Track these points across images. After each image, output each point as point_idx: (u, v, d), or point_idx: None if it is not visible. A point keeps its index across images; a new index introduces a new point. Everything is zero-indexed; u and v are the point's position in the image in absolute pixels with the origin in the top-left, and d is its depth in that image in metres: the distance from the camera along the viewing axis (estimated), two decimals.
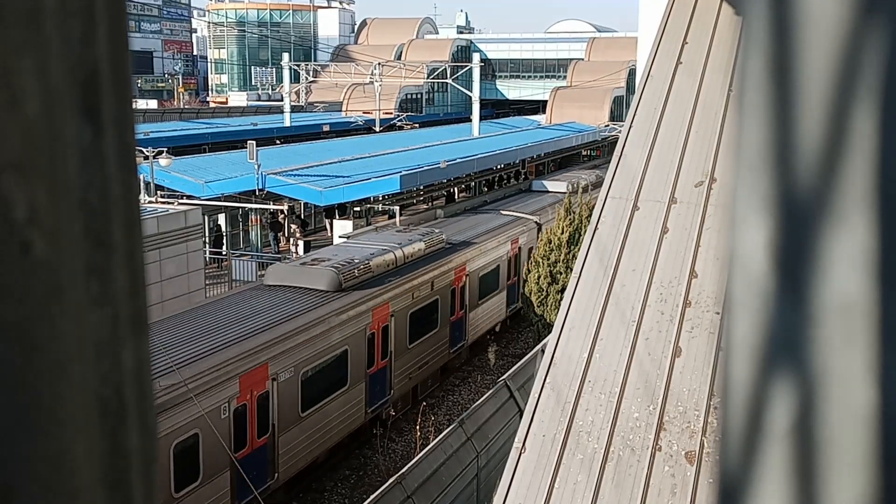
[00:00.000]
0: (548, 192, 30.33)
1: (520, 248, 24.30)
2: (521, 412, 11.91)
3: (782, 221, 0.41)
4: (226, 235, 29.90)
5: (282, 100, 50.57)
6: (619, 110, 58.14)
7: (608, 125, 50.32)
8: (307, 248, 28.08)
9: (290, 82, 49.33)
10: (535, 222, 25.60)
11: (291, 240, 29.68)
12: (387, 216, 29.37)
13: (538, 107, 66.90)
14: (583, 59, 69.18)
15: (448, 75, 49.62)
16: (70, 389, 0.46)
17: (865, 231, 0.39)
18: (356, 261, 16.37)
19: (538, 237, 24.02)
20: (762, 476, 0.41)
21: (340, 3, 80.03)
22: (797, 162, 0.41)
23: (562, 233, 20.02)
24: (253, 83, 72.48)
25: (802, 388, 0.40)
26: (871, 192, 0.38)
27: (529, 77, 73.39)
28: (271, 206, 28.30)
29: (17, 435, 0.43)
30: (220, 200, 27.07)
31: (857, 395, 0.39)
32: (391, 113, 53.93)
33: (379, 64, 48.64)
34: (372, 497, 10.82)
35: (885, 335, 0.38)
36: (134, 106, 0.53)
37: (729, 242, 0.42)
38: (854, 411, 0.39)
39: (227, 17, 75.54)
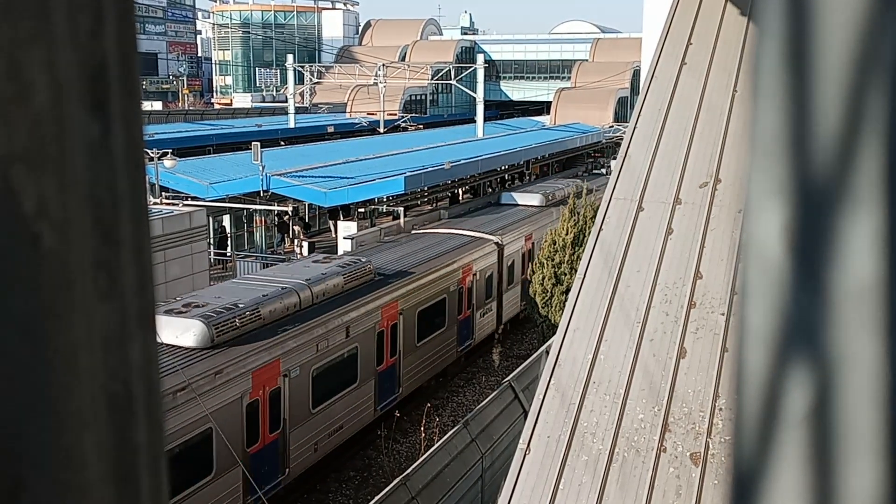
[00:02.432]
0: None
1: None
2: (525, 413, 11.90)
3: (797, 207, 0.41)
4: (230, 237, 29.95)
5: (286, 101, 50.65)
6: (623, 111, 58.11)
7: (612, 126, 50.28)
8: (311, 249, 28.10)
9: (295, 83, 49.42)
10: None
11: (296, 241, 29.73)
12: (391, 217, 29.39)
13: (542, 108, 66.91)
14: (587, 60, 69.17)
15: (452, 76, 49.64)
16: (78, 383, 0.46)
17: (881, 216, 0.39)
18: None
19: None
20: (778, 462, 0.41)
21: (344, 4, 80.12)
22: (812, 147, 0.40)
23: (566, 234, 20.02)
24: (257, 84, 72.62)
25: (819, 374, 0.40)
26: (887, 176, 0.38)
27: (534, 78, 73.40)
28: (276, 208, 28.35)
29: (26, 428, 0.43)
30: (225, 202, 27.13)
31: (874, 380, 0.38)
32: (395, 114, 53.98)
33: (383, 65, 48.68)
34: (377, 498, 10.82)
35: None
36: (141, 101, 0.53)
37: (743, 229, 0.42)
38: (871, 396, 0.38)
39: (231, 18, 75.70)
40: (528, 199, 27.62)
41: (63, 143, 0.43)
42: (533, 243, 24.69)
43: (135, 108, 0.49)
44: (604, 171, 37.55)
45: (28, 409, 0.43)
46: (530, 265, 22.61)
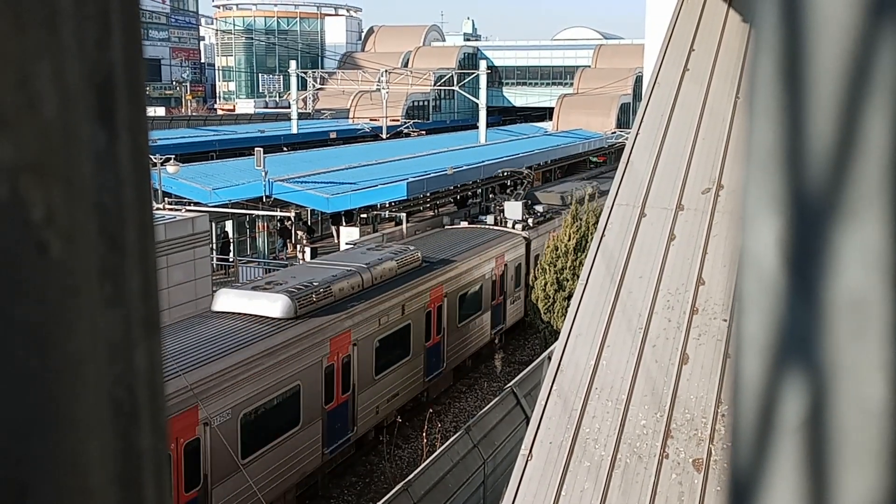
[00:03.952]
0: None
1: None
2: (527, 419, 11.88)
3: (793, 219, 0.42)
4: (233, 242, 29.98)
5: (289, 107, 50.75)
6: (625, 117, 58.13)
7: (615, 132, 50.29)
8: (314, 255, 28.12)
9: (298, 89, 49.51)
10: None
11: (298, 246, 29.75)
12: (393, 223, 29.40)
13: (545, 114, 66.96)
14: (589, 67, 69.22)
15: (455, 82, 49.71)
16: (84, 389, 0.46)
17: (876, 227, 0.40)
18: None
19: None
20: (773, 472, 0.41)
21: (347, 10, 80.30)
22: (807, 160, 0.41)
23: (568, 239, 20.01)
24: (260, 90, 72.78)
25: (813, 385, 0.40)
26: (882, 188, 0.39)
27: (536, 84, 73.48)
28: (278, 213, 28.38)
29: (32, 434, 0.43)
30: (228, 207, 27.15)
31: (868, 391, 0.39)
32: (398, 120, 54.05)
33: (386, 71, 48.75)
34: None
35: (895, 331, 0.38)
36: (147, 110, 0.54)
37: (740, 240, 0.43)
38: (865, 407, 0.39)
39: (234, 24, 75.88)
40: (264, 304, 13.71)
41: (70, 152, 0.44)
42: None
43: (141, 117, 0.50)
44: (489, 218, 24.50)
45: (33, 414, 0.43)
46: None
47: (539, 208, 25.68)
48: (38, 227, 0.42)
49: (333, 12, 79.54)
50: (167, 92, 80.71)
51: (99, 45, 0.46)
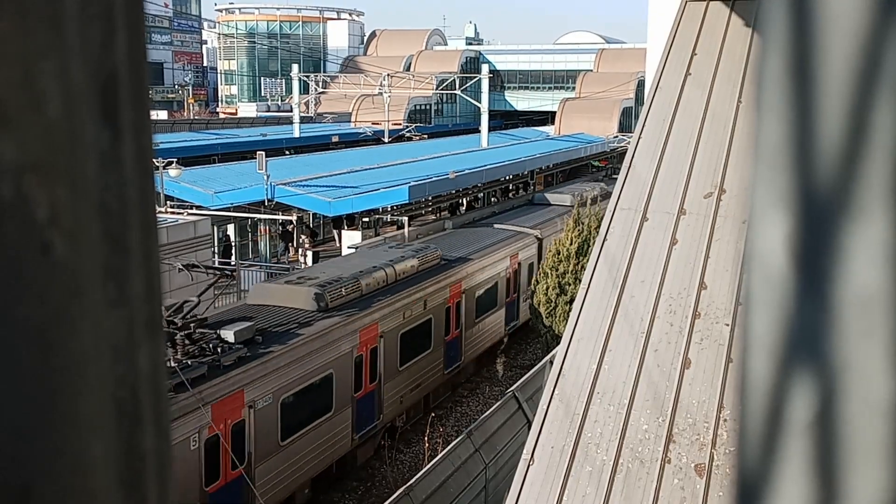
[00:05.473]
0: None
1: None
2: (529, 423, 11.87)
3: (801, 217, 0.42)
4: (235, 246, 30.00)
5: (291, 111, 50.82)
6: (627, 121, 58.18)
7: (617, 136, 50.31)
8: (315, 259, 28.11)
9: (300, 93, 49.58)
10: None
11: (300, 250, 29.77)
12: (395, 227, 29.41)
13: (547, 118, 67.03)
14: (591, 71, 69.29)
15: (457, 86, 49.77)
16: (87, 390, 0.46)
17: (884, 224, 0.39)
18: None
19: None
20: (781, 471, 0.41)
21: (350, 14, 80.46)
22: (815, 157, 0.41)
23: (570, 244, 19.99)
24: (262, 94, 72.89)
25: (822, 383, 0.40)
26: (891, 185, 0.39)
27: (538, 88, 73.56)
28: (280, 217, 28.40)
29: (34, 435, 0.43)
30: (230, 211, 27.18)
31: (877, 389, 0.39)
32: (400, 124, 54.11)
33: (388, 75, 48.83)
34: None
35: None
36: (150, 111, 0.53)
37: (747, 239, 0.42)
38: (874, 405, 0.39)
39: (237, 28, 76.04)
40: None
41: (74, 152, 0.44)
42: None
43: (144, 118, 0.50)
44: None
45: (37, 415, 0.43)
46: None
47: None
48: (42, 227, 0.42)
49: (336, 16, 79.69)
50: (169, 95, 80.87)
51: (103, 45, 0.46)
